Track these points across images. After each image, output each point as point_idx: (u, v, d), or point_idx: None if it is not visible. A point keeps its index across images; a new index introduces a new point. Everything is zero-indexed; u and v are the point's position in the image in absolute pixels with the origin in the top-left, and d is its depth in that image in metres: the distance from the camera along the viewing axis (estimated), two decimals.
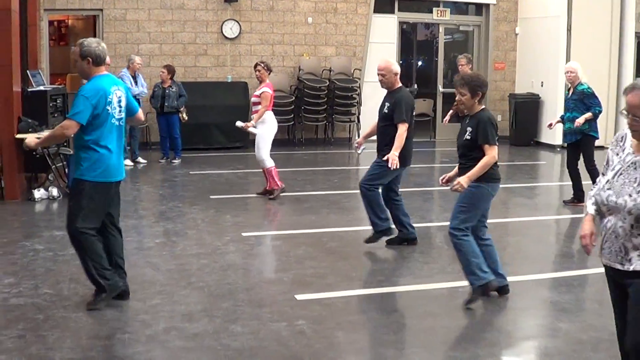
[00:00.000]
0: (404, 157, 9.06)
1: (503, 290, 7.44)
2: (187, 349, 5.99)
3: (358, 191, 9.49)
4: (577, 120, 11.67)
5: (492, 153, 7.08)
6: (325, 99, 18.87)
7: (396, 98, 9.09)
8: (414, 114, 9.34)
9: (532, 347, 6.51)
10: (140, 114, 7.44)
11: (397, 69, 9.26)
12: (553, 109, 19.40)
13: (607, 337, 6.39)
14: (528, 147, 19.80)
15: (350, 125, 19.66)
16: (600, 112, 11.82)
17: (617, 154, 4.52)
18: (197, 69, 18.50)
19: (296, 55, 19.25)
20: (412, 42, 22.96)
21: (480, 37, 21.69)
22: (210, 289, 7.50)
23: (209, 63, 18.54)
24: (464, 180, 6.96)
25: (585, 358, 6.11)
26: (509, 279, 7.59)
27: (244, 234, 9.85)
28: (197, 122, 16.54)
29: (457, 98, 7.35)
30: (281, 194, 12.25)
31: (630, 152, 4.44)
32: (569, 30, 20.04)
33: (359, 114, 19.21)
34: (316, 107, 18.86)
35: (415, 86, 21.25)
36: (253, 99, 12.31)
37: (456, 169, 7.39)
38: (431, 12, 21.04)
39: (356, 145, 9.93)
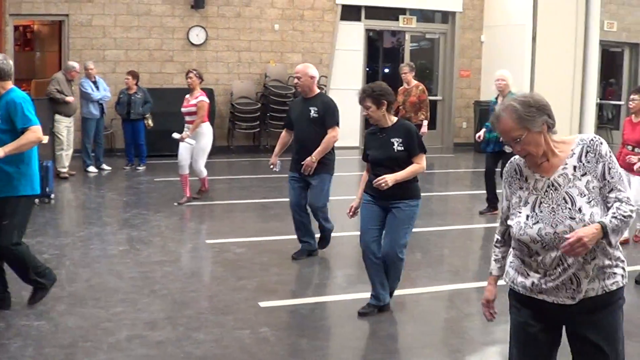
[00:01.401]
0: (332, 165, 9.03)
1: (383, 308, 7.22)
2: (149, 357, 5.96)
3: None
4: None
5: (423, 163, 6.90)
6: None
7: (325, 103, 8.98)
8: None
9: (496, 352, 6.53)
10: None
11: (313, 72, 9.03)
12: None
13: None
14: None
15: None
16: None
17: (521, 188, 4.13)
18: (163, 76, 18.44)
19: (262, 62, 19.26)
20: (378, 50, 22.99)
21: (446, 44, 21.81)
22: (173, 297, 7.47)
23: (175, 69, 18.47)
24: (390, 178, 6.69)
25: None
26: (474, 284, 7.65)
27: (208, 241, 9.84)
28: (163, 128, 16.43)
29: (364, 113, 7.09)
30: (186, 204, 12.19)
31: (538, 177, 4.07)
32: (533, 38, 20.20)
33: None
34: (282, 114, 18.77)
35: None
36: (187, 109, 12.07)
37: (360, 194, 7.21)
38: (397, 19, 21.13)
39: (271, 165, 9.65)
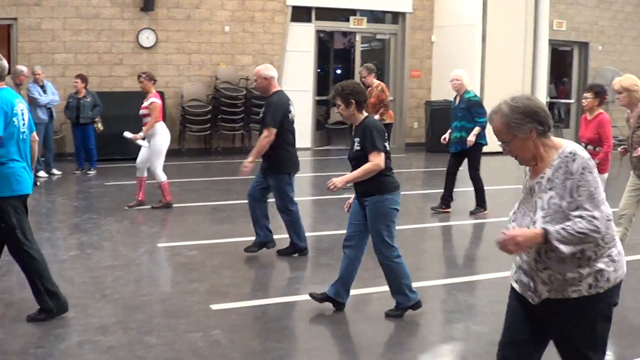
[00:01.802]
0: (283, 165, 9.04)
1: (340, 307, 7.29)
2: None
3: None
4: (468, 139, 11.69)
5: (376, 160, 6.79)
6: (242, 107, 18.84)
7: (268, 102, 9.04)
8: (290, 118, 9.12)
9: (448, 350, 6.59)
10: (35, 135, 7.23)
11: (267, 73, 9.08)
12: None
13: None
14: (444, 153, 19.94)
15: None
16: (485, 122, 11.39)
17: (524, 186, 4.25)
18: (113, 79, 18.30)
19: (213, 64, 19.21)
20: (329, 51, 23.04)
21: (396, 45, 21.91)
22: (125, 301, 7.42)
23: (125, 73, 18.35)
24: (339, 181, 6.80)
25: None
26: (427, 283, 7.68)
27: (159, 245, 9.79)
28: (113, 132, 16.28)
29: (336, 110, 7.19)
30: (165, 208, 12.14)
31: (528, 177, 4.22)
32: (483, 38, 20.38)
33: None
34: (233, 116, 18.83)
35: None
36: (142, 112, 12.02)
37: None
38: (348, 20, 21.20)
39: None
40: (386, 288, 7.39)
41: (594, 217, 3.88)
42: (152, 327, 6.69)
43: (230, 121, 18.87)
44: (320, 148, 20.97)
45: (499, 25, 20.55)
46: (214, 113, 18.72)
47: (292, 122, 9.18)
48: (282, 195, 9.10)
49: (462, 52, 20.59)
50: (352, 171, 6.95)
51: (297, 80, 19.45)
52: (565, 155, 3.98)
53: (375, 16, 21.93)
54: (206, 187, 14.19)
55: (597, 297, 4.02)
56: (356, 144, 6.91)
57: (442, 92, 20.60)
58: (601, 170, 9.59)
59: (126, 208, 11.93)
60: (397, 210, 7.03)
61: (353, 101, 6.89)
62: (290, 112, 9.12)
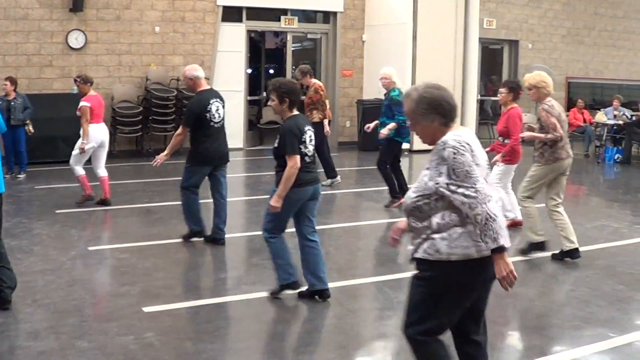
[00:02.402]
0: (197, 158, 9.75)
1: (323, 294, 7.52)
2: None
3: (209, 200, 9.58)
4: (382, 131, 12.03)
5: (291, 163, 7.14)
6: (174, 108, 18.69)
7: (189, 102, 9.75)
8: (208, 117, 9.53)
9: (381, 347, 6.66)
10: None
11: (192, 73, 9.61)
12: None
13: (449, 333, 6.62)
14: (376, 152, 20.06)
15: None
16: (403, 120, 11.57)
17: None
18: (42, 81, 18.07)
19: (143, 65, 19.05)
20: (260, 51, 23.04)
21: (328, 44, 21.96)
22: (56, 306, 7.36)
23: (55, 74, 18.13)
24: (273, 201, 7.18)
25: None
26: (359, 281, 7.74)
27: (90, 248, 9.71)
28: (43, 135, 16.11)
29: (269, 102, 7.65)
30: (86, 201, 12.33)
31: None
32: (414, 37, 20.55)
33: None
34: (164, 117, 18.70)
35: (265, 94, 21.38)
36: (78, 113, 12.15)
37: None
38: (279, 20, 21.17)
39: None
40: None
41: (473, 192, 4.38)
42: (84, 331, 6.66)
43: (162, 122, 18.74)
44: (253, 148, 20.93)
45: (430, 24, 20.74)
46: (145, 114, 18.58)
47: (213, 119, 9.57)
48: (184, 177, 9.88)
49: (394, 51, 20.74)
50: (275, 166, 7.45)
51: (228, 81, 19.37)
52: (439, 144, 4.54)
53: (307, 16, 21.98)
54: (138, 188, 14.11)
55: (427, 262, 4.59)
56: (276, 142, 7.37)
57: (374, 91, 20.71)
58: (510, 161, 10.61)
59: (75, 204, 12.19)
60: (299, 202, 7.43)
61: (287, 100, 7.35)
62: (208, 110, 9.50)
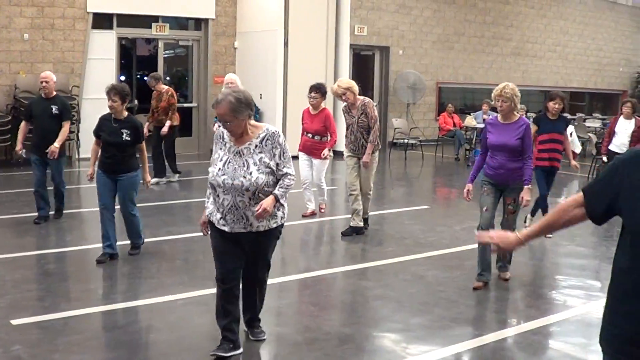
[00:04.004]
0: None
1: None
2: None
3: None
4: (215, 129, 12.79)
5: (145, 150, 9.58)
6: None
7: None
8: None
9: (254, 353, 6.71)
10: None
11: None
12: (272, 120, 19.96)
13: (321, 337, 6.84)
14: None
15: (69, 143, 19.20)
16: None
17: (221, 148, 6.18)
18: None
19: (12, 73, 18.68)
20: (132, 58, 22.85)
21: (200, 51, 21.98)
22: None
23: None
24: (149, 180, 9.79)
25: (301, 358, 6.46)
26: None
27: None
28: None
29: (109, 104, 9.25)
30: None
31: (233, 144, 6.11)
32: (286, 43, 20.73)
33: (78, 131, 18.87)
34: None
35: (136, 102, 21.28)
36: None
37: (92, 160, 9.61)
38: (150, 27, 21.06)
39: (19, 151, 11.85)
40: (189, 294, 7.52)
41: (292, 172, 6.21)
42: None
43: (31, 131, 18.35)
44: None
45: (301, 31, 20.97)
46: (15, 123, 18.18)
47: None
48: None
49: (265, 57, 20.89)
50: (114, 152, 9.33)
51: (99, 88, 18.97)
52: (272, 132, 6.12)
53: (179, 22, 21.92)
54: (9, 199, 13.85)
55: (281, 225, 6.44)
56: (125, 134, 9.28)
57: None
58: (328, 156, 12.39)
59: None
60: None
61: (127, 99, 9.40)
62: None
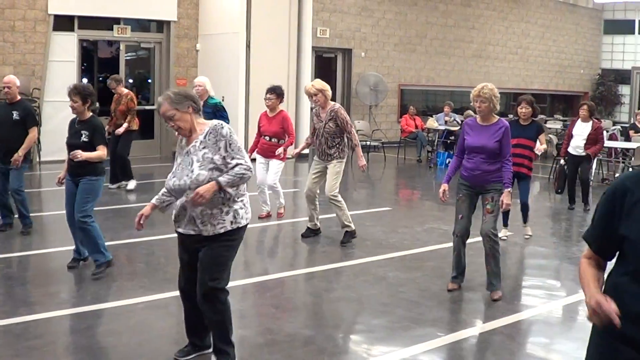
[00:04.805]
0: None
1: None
2: None
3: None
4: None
5: (104, 152, 8.97)
6: None
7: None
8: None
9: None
10: None
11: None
12: (234, 122, 19.91)
13: (283, 339, 6.86)
14: None
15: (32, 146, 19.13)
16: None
17: (180, 154, 6.07)
18: None
19: None
20: (93, 60, 22.73)
21: (162, 53, 21.92)
22: None
23: None
24: (82, 155, 8.73)
25: None
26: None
27: None
28: None
29: (70, 104, 8.97)
30: None
31: (184, 145, 6.02)
32: (248, 45, 20.71)
33: (40, 134, 18.69)
34: None
35: (97, 104, 21.10)
36: None
37: (66, 165, 9.16)
38: (112, 29, 20.95)
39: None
40: (149, 298, 7.50)
41: (245, 162, 5.89)
42: None
43: None
44: None
45: (263, 33, 20.97)
46: None
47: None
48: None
49: (227, 60, 20.87)
50: (69, 153, 8.89)
51: (60, 90, 18.94)
52: (215, 125, 5.91)
53: (141, 24, 21.82)
54: None
55: (236, 230, 6.05)
56: (84, 136, 8.91)
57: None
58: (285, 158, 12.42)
59: None
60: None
61: (90, 101, 8.98)
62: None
